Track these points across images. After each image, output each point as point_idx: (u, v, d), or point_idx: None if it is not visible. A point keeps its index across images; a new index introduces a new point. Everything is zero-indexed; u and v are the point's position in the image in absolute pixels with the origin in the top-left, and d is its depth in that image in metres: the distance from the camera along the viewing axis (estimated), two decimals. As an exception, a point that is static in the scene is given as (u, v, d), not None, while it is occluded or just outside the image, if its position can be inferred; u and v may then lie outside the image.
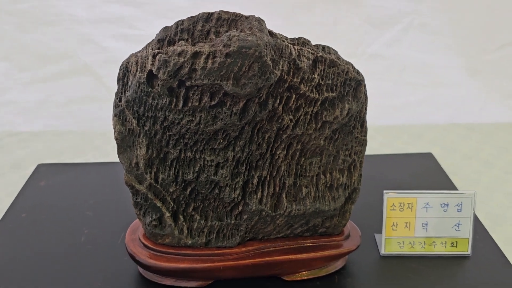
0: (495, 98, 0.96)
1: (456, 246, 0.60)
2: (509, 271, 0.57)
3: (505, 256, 0.59)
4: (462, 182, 0.75)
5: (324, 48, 0.49)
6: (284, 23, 0.91)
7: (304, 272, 0.55)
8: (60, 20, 0.96)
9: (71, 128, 0.94)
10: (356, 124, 0.51)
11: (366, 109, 0.51)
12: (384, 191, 0.58)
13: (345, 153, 0.51)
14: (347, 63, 0.49)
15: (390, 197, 0.58)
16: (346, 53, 0.94)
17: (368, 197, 0.67)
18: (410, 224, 0.59)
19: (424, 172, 0.76)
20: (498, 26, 0.92)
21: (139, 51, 0.47)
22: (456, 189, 0.72)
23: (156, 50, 0.45)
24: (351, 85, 0.49)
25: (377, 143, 0.87)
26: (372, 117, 0.96)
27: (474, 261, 0.59)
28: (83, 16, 0.97)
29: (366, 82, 0.96)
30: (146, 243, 0.53)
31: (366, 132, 0.52)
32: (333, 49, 0.49)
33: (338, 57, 0.49)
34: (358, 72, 0.50)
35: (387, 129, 0.91)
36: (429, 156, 0.80)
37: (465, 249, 0.59)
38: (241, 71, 0.42)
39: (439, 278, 0.57)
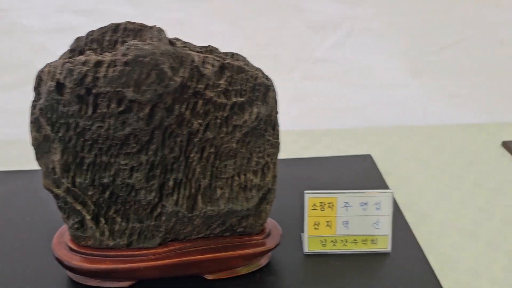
0: (439, 99, 0.99)
1: (376, 244, 0.62)
2: (425, 267, 0.60)
3: (423, 253, 0.62)
4: (396, 182, 0.77)
5: (233, 55, 0.51)
6: (231, 30, 0.93)
7: (225, 271, 0.57)
8: (13, 30, 0.98)
9: (26, 136, 0.96)
10: (267, 128, 0.53)
11: (277, 112, 0.53)
12: (305, 191, 0.60)
13: (258, 155, 0.54)
14: (257, 69, 0.52)
15: (311, 197, 0.60)
16: (293, 58, 0.97)
17: (301, 198, 0.69)
18: (332, 223, 0.61)
19: (360, 174, 0.78)
20: (436, 28, 0.94)
21: (54, 61, 0.49)
22: (388, 189, 0.74)
23: (66, 60, 0.47)
24: (260, 90, 0.51)
25: (321, 146, 0.89)
26: (319, 120, 0.99)
27: (394, 258, 0.61)
28: (37, 26, 0.99)
29: (315, 85, 0.99)
30: (70, 245, 0.55)
31: (278, 134, 0.54)
32: (242, 56, 0.51)
33: (247, 64, 0.51)
34: (267, 78, 0.52)
35: (332, 132, 0.93)
36: (367, 158, 0.83)
37: (385, 246, 0.62)
38: (140, 78, 0.45)
39: (360, 274, 0.59)
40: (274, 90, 0.52)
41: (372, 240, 0.62)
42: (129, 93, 0.45)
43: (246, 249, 0.56)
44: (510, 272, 0.61)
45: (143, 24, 0.48)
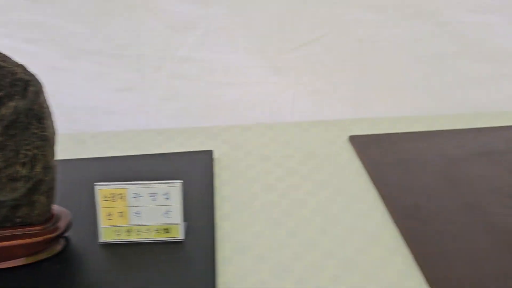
0: (302, 96, 1.02)
1: (169, 233, 0.64)
2: (210, 255, 0.63)
3: (214, 241, 0.65)
4: (228, 176, 0.80)
5: (-9, 53, 0.53)
6: (90, 31, 0.95)
7: (10, 260, 0.59)
8: None
9: None
10: (31, 121, 0.55)
11: (41, 106, 0.56)
12: (95, 183, 0.63)
13: (25, 148, 0.56)
14: (18, 65, 0.54)
15: (101, 188, 0.63)
16: (157, 57, 0.99)
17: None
18: (124, 214, 0.64)
19: (193, 168, 0.81)
20: (291, 27, 0.97)
21: None
22: (212, 182, 0.77)
23: None
24: (19, 85, 0.54)
25: (175, 144, 0.91)
26: (187, 119, 1.02)
27: (186, 246, 0.64)
28: None
29: (182, 84, 1.01)
30: None
31: (45, 128, 0.56)
32: (1, 54, 0.54)
33: (4, 60, 0.53)
34: (28, 73, 0.54)
35: (191, 130, 0.96)
36: (208, 153, 0.85)
37: (177, 235, 0.64)
38: None
39: (155, 262, 0.62)
40: (35, 85, 0.55)
41: (165, 230, 0.64)
42: None
43: (25, 239, 0.59)
44: (298, 258, 0.63)
45: None
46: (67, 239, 0.64)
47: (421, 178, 0.77)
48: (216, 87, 1.02)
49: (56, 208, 0.62)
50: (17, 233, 0.58)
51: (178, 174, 0.78)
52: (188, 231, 0.66)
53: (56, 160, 0.60)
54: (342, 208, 0.73)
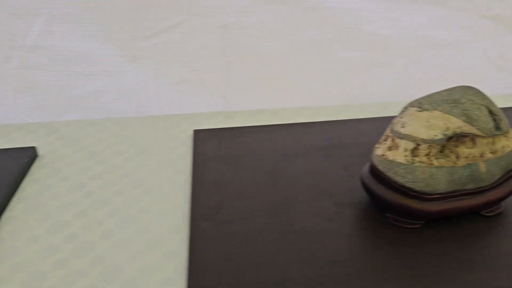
0: (166, 87, 0.95)
1: None
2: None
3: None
4: (43, 174, 0.74)
5: None
6: None
7: None
8: None
9: None
10: None
11: None
12: None
13: None
14: None
15: None
16: (4, 46, 0.92)
17: None
18: None
19: (4, 166, 0.74)
20: (145, 14, 0.90)
21: None
22: (18, 181, 0.71)
23: None
24: None
25: (5, 140, 0.85)
26: (47, 112, 0.95)
27: None
28: None
29: (38, 75, 0.94)
30: None
31: None
32: None
33: None
34: None
35: (31, 125, 0.89)
36: (30, 150, 0.79)
37: None
38: None
39: None
40: None
41: None
42: None
43: None
44: (60, 266, 0.57)
45: None
46: None
47: (243, 175, 0.71)
48: (73, 78, 0.96)
49: None
50: None
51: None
52: (-48, 236, 0.60)
53: None
54: (144, 209, 0.66)
